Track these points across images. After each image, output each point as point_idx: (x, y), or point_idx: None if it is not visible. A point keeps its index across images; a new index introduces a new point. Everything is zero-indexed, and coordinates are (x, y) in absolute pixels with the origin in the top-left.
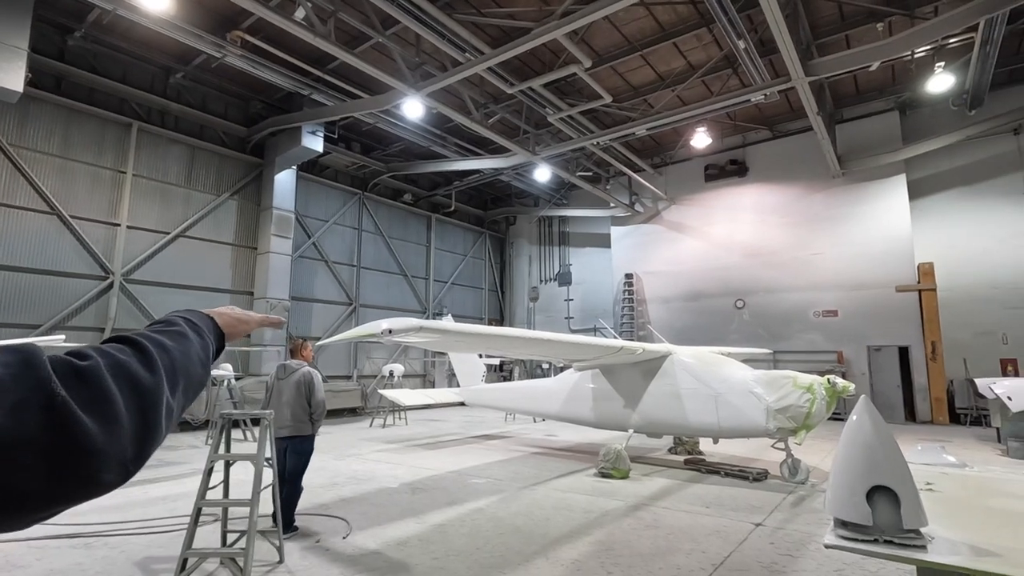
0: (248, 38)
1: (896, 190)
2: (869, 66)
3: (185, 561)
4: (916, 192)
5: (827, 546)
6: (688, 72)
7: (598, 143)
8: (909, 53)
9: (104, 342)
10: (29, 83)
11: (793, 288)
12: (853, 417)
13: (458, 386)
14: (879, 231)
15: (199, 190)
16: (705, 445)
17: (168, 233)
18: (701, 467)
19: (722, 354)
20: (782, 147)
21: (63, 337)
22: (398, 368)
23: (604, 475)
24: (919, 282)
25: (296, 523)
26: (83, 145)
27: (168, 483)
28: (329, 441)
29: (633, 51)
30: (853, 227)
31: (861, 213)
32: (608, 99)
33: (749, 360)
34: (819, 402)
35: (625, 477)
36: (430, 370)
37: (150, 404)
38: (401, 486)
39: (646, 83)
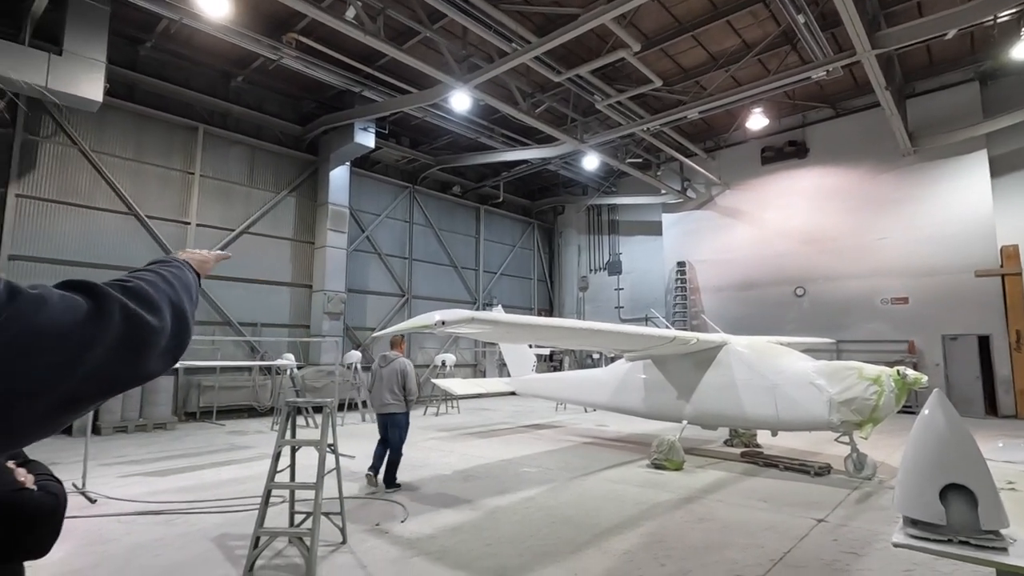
0: (302, 39)
1: (976, 167)
2: (944, 34)
3: (258, 539)
4: (999, 169)
5: (896, 545)
6: (743, 51)
7: (648, 128)
8: (991, 18)
9: (136, 270)
10: (107, 92)
11: (855, 275)
12: (925, 411)
13: (509, 376)
14: (955, 212)
15: (259, 188)
16: (763, 438)
17: (233, 230)
18: (758, 460)
19: (780, 344)
20: (846, 126)
21: None
22: (450, 358)
23: (657, 466)
24: (1002, 266)
25: (398, 481)
26: (154, 149)
27: (237, 466)
28: None
29: (684, 32)
30: (925, 209)
31: (934, 193)
32: (658, 83)
33: (810, 350)
34: (887, 395)
35: (678, 469)
36: (481, 360)
37: (179, 307)
38: (454, 473)
39: (698, 64)
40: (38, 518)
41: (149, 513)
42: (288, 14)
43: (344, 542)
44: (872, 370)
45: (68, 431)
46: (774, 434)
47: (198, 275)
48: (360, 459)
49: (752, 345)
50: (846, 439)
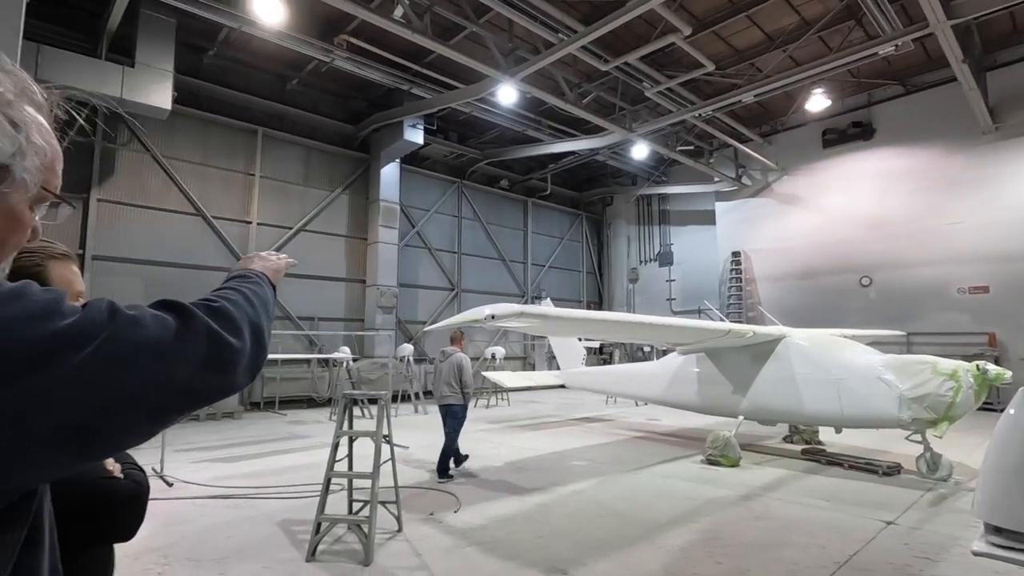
0: (352, 40)
1: None
2: None
3: (319, 525)
4: None
5: (976, 553)
6: (802, 29)
7: (700, 115)
8: None
9: (220, 287)
10: (175, 100)
11: (927, 262)
12: (1010, 411)
13: (558, 369)
14: None
15: (315, 187)
16: (826, 435)
17: (290, 228)
18: (820, 458)
19: (845, 337)
20: (917, 103)
21: None
22: (499, 351)
23: (711, 462)
24: None
25: (451, 471)
26: (218, 152)
27: (298, 454)
28: (437, 421)
29: (737, 12)
30: (1008, 189)
31: (1018, 172)
32: (710, 67)
33: (877, 343)
34: (965, 391)
35: (734, 465)
36: (530, 352)
37: (257, 327)
38: (504, 465)
39: (753, 45)
40: (125, 504)
41: (220, 497)
42: (339, 16)
43: (400, 530)
44: (947, 364)
45: None
46: (838, 431)
47: (274, 287)
48: (414, 449)
49: (813, 338)
50: (918, 438)
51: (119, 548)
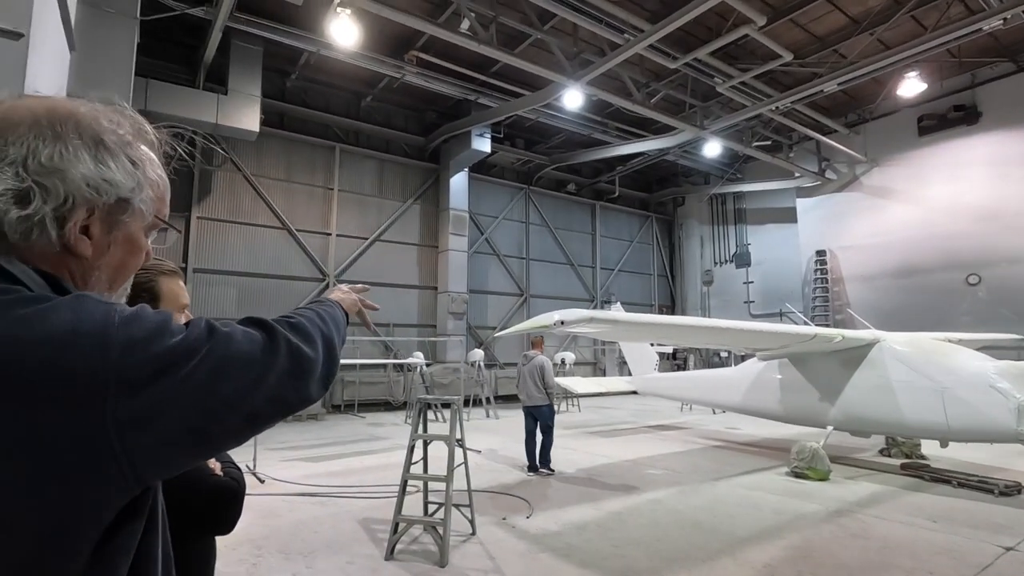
0: (422, 56)
1: None
2: None
3: (397, 525)
4: None
5: None
6: (892, 8)
7: (777, 108)
8: None
9: (298, 308)
10: (262, 123)
11: None
12: None
13: (629, 374)
14: None
15: (388, 198)
16: (930, 448)
17: (367, 239)
18: (924, 474)
19: (950, 341)
20: None
21: None
22: (569, 356)
23: (798, 475)
24: None
25: (551, 464)
26: (301, 168)
27: (378, 455)
28: (508, 425)
29: None
30: None
31: None
32: (788, 57)
33: (989, 348)
34: None
35: (824, 479)
36: (600, 358)
37: (330, 340)
38: (577, 471)
39: (835, 30)
40: (226, 500)
41: (307, 495)
42: (409, 34)
43: (473, 533)
44: None
45: None
46: (943, 445)
47: (347, 314)
48: (486, 454)
49: (912, 342)
50: None
51: (218, 539)
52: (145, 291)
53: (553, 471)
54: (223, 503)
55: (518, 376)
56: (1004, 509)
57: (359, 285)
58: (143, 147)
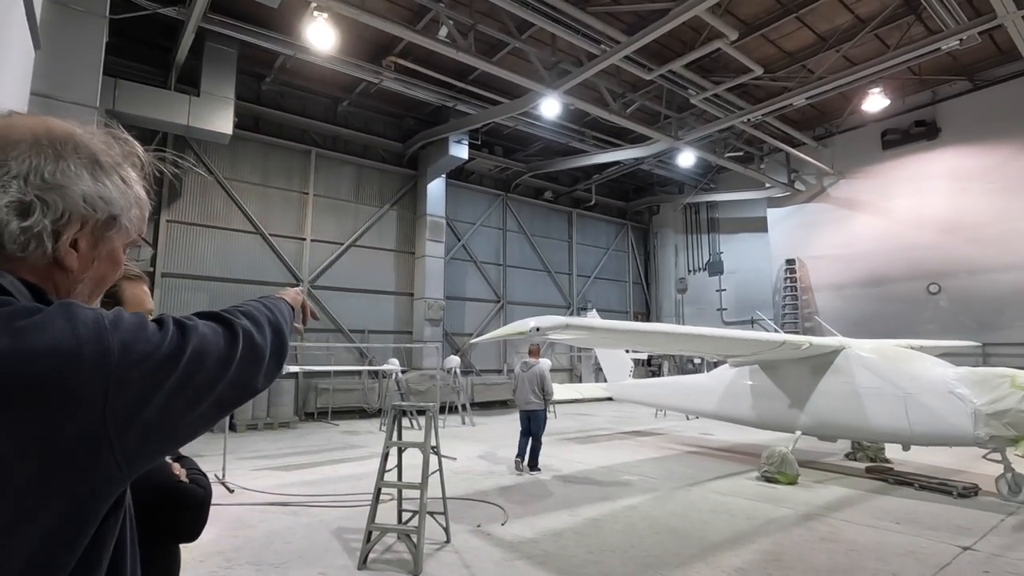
0: (400, 61)
1: None
2: None
3: (370, 533)
4: None
5: None
6: (857, 27)
7: (749, 120)
8: None
9: (245, 302)
10: (236, 126)
11: (1007, 267)
12: None
13: (605, 381)
14: None
15: (365, 204)
16: (893, 452)
17: (342, 244)
18: (888, 477)
19: (912, 348)
20: (987, 98)
21: None
22: (545, 363)
23: (768, 479)
24: None
25: (539, 466)
26: (276, 173)
27: (352, 463)
28: (484, 432)
29: (787, 14)
30: None
31: None
32: (759, 71)
33: (949, 355)
34: None
35: (793, 483)
36: (576, 364)
37: (277, 326)
38: (553, 478)
39: (804, 47)
40: (191, 507)
41: (279, 504)
42: (387, 39)
43: (448, 541)
44: None
45: (211, 428)
46: (906, 449)
47: (292, 307)
48: (462, 461)
49: (877, 349)
50: (997, 457)
51: (187, 551)
52: (109, 296)
53: (540, 470)
54: (188, 510)
55: (516, 382)
56: (963, 510)
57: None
58: (131, 170)
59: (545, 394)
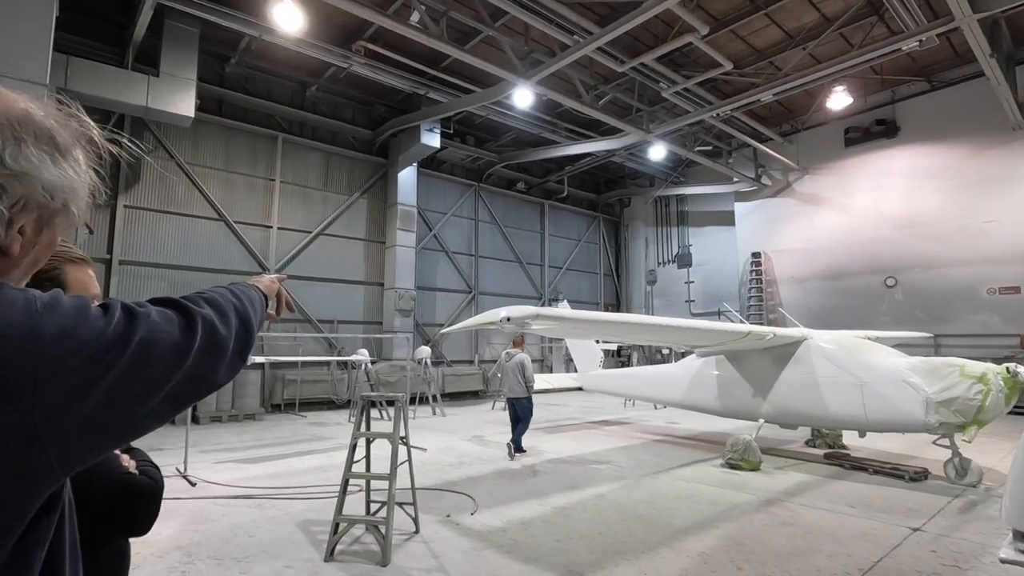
0: (370, 46)
1: None
2: None
3: (337, 525)
4: None
5: (1004, 561)
6: (823, 26)
7: (718, 114)
8: None
9: (213, 287)
10: (198, 108)
11: (958, 262)
12: None
13: (575, 371)
14: None
15: (334, 191)
16: (850, 439)
17: (310, 232)
18: (844, 463)
19: (869, 339)
20: (943, 99)
21: None
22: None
23: (732, 466)
24: None
25: (524, 447)
26: (241, 158)
27: (320, 455)
28: (454, 422)
29: (756, 10)
30: None
31: None
32: (728, 66)
33: (903, 345)
34: (995, 394)
35: (755, 469)
36: (547, 355)
37: (244, 315)
38: (523, 468)
39: (772, 44)
40: (141, 500)
41: (242, 497)
42: (357, 23)
43: (417, 531)
44: (976, 367)
45: (172, 421)
46: (862, 435)
47: (265, 296)
48: (432, 452)
49: (836, 340)
50: (946, 442)
51: (146, 547)
52: (50, 280)
53: (525, 451)
54: (139, 504)
55: (500, 371)
56: (914, 494)
57: (279, 274)
58: (83, 151)
59: (527, 381)
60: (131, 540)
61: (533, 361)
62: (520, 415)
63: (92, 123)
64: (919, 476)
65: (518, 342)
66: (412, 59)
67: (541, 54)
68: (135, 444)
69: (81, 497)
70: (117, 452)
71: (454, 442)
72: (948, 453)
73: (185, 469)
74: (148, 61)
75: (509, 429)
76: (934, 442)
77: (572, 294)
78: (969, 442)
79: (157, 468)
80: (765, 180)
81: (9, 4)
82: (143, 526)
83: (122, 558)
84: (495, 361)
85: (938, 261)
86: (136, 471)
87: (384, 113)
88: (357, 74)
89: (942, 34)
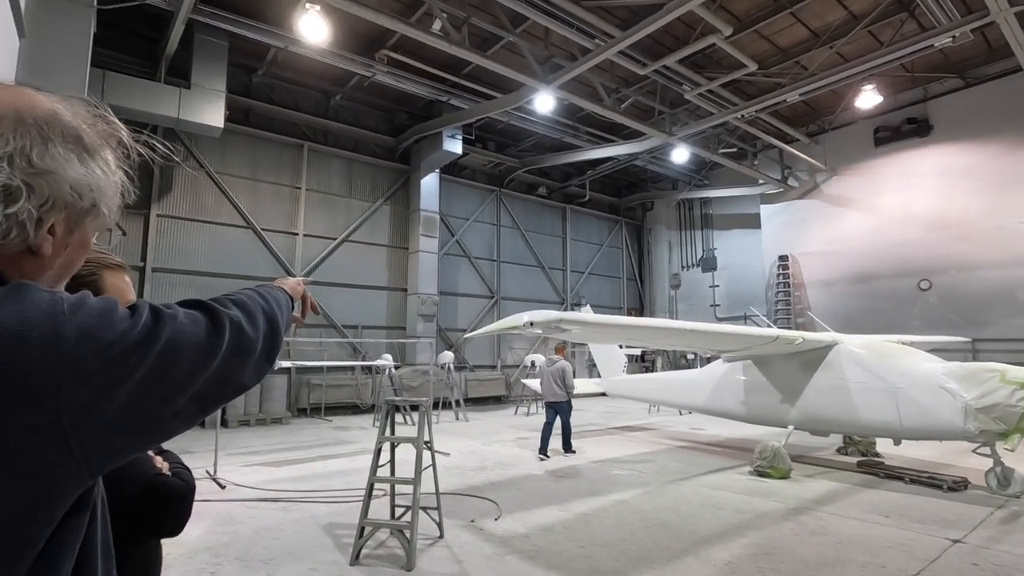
0: (392, 55)
1: None
2: None
3: (363, 529)
4: None
5: None
6: (850, 24)
7: (742, 116)
8: None
9: (241, 289)
10: (227, 119)
11: (996, 264)
12: None
13: (598, 376)
14: None
15: (358, 198)
16: (884, 446)
17: (335, 239)
18: (878, 471)
19: (903, 344)
20: (978, 96)
21: None
22: (539, 358)
23: (760, 474)
24: None
25: (573, 448)
26: (267, 167)
27: (344, 459)
28: (477, 427)
29: (781, 9)
30: None
31: None
32: (753, 67)
33: (939, 350)
34: None
35: (785, 477)
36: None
37: (271, 317)
38: (545, 473)
39: (797, 43)
40: (174, 501)
41: (269, 500)
42: (380, 32)
43: (441, 536)
44: (1018, 373)
45: (201, 424)
46: (896, 443)
47: (291, 298)
48: (455, 457)
49: (868, 344)
50: (987, 451)
51: (175, 547)
52: (87, 285)
53: (574, 451)
54: (171, 504)
55: (541, 376)
56: (952, 504)
57: (304, 277)
58: (112, 151)
59: (567, 387)
60: (162, 541)
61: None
62: (562, 417)
63: (121, 124)
64: (958, 486)
65: (560, 349)
66: (434, 66)
67: (562, 58)
68: (167, 446)
69: (114, 498)
70: (150, 454)
71: (477, 447)
72: (989, 462)
73: (215, 471)
74: (179, 74)
75: (535, 435)
76: (974, 451)
77: (594, 299)
78: (1012, 451)
79: (189, 470)
80: (792, 182)
81: (51, 23)
82: (175, 527)
83: (154, 558)
84: (518, 366)
85: (973, 263)
86: (168, 473)
87: (406, 120)
88: (380, 82)
89: (977, 29)
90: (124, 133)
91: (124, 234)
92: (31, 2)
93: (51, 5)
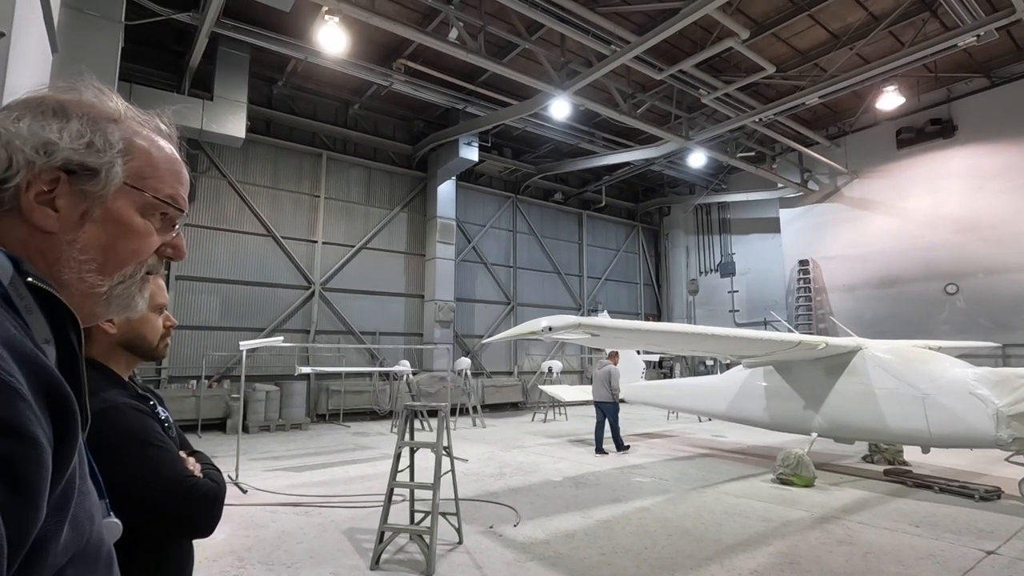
0: (410, 64)
1: None
2: None
3: (383, 534)
4: None
5: None
6: (870, 24)
7: (760, 119)
8: None
9: None
10: (248, 129)
11: None
12: None
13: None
14: None
15: (376, 206)
16: (912, 454)
17: (353, 246)
18: (907, 479)
19: (931, 349)
20: (1004, 96)
21: (281, 339)
22: (556, 364)
23: (783, 482)
24: None
25: (626, 444)
26: (287, 176)
27: (363, 464)
28: (494, 433)
29: (799, 12)
30: None
31: None
32: (771, 70)
33: (968, 356)
34: None
35: (809, 485)
36: (587, 366)
37: None
38: (564, 480)
39: (816, 45)
40: (206, 502)
41: (291, 504)
42: (397, 42)
43: (460, 542)
44: None
45: (222, 429)
46: (925, 451)
47: None
48: (473, 463)
49: (894, 350)
50: (1021, 459)
51: (200, 551)
52: None
53: (628, 447)
54: (203, 505)
55: (593, 378)
56: (985, 514)
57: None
58: (133, 122)
59: (613, 389)
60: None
61: (571, 373)
62: (609, 418)
63: (159, 117)
64: (991, 495)
65: (612, 356)
66: (450, 75)
67: (577, 64)
68: (197, 447)
69: (148, 500)
70: (183, 455)
71: (495, 453)
72: (1023, 471)
73: (237, 476)
74: (202, 86)
75: (554, 441)
76: (1007, 459)
77: (611, 304)
78: None
79: (219, 471)
80: (812, 185)
81: (81, 38)
82: (206, 528)
83: (188, 558)
84: (534, 373)
85: (1004, 266)
86: (200, 475)
87: (423, 128)
88: (397, 91)
89: (1002, 28)
90: (160, 120)
91: (185, 212)
92: (63, 19)
93: (82, 21)
